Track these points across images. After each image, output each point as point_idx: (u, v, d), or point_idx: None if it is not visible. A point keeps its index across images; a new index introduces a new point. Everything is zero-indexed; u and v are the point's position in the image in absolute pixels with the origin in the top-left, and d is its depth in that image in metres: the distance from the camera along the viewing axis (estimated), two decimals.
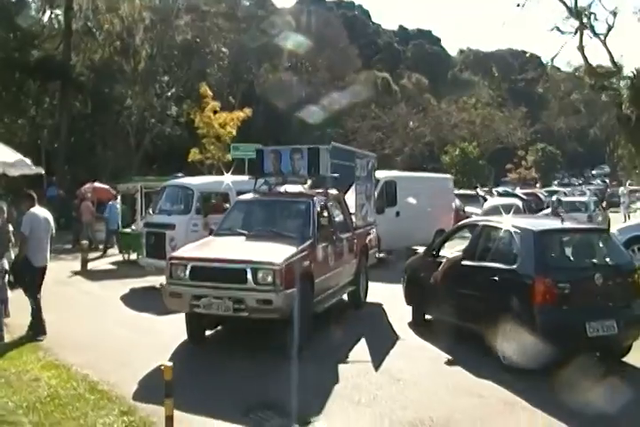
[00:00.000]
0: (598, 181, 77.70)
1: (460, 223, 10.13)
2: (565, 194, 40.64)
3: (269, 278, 7.95)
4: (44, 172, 12.15)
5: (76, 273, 15.80)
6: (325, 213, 10.17)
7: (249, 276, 7.95)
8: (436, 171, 31.14)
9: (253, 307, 7.93)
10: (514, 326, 7.74)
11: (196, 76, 36.96)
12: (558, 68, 74.71)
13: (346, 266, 10.44)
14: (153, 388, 6.90)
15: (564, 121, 73.39)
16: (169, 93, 37.31)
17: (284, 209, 10.32)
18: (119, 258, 18.42)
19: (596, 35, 13.52)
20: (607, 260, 8.37)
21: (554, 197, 26.05)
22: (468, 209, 26.32)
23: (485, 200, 30.21)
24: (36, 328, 9.08)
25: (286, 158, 10.59)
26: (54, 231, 9.54)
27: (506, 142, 49.86)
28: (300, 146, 11.00)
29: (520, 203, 21.96)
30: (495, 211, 16.45)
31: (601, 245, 8.54)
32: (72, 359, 7.96)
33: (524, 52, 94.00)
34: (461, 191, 29.32)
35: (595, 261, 8.30)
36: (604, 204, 35.38)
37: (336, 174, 10.71)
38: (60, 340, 8.98)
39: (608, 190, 45.11)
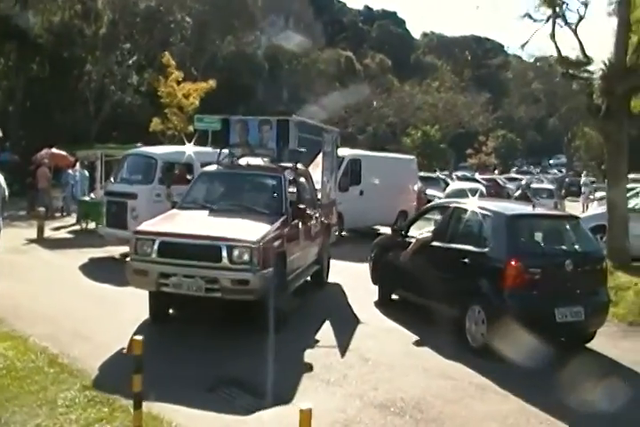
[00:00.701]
0: (555, 171, 79.04)
1: (429, 204, 10.11)
2: (527, 185, 41.36)
3: (246, 257, 7.49)
4: (0, 134, 11.63)
5: (31, 241, 15.30)
6: (295, 189, 9.75)
7: (224, 254, 7.46)
8: (397, 152, 31.02)
9: (228, 287, 7.47)
10: (483, 308, 7.73)
11: (159, 45, 36.07)
12: (520, 57, 75.63)
13: (313, 244, 10.20)
14: (116, 362, 6.74)
15: (524, 110, 74.23)
16: (130, 61, 36.28)
17: (253, 183, 9.86)
18: (76, 226, 17.92)
19: (567, 24, 13.48)
20: (577, 247, 8.40)
21: (523, 182, 26.52)
22: (429, 192, 26.51)
23: (446, 184, 30.41)
24: None
25: (254, 129, 10.20)
26: (7, 196, 9.15)
27: (467, 127, 50.18)
28: (269, 117, 10.61)
29: (483, 188, 22.10)
30: (458, 195, 16.53)
31: (571, 231, 8.55)
32: (29, 331, 7.61)
33: (488, 40, 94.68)
34: (422, 174, 29.36)
35: (565, 247, 8.33)
36: (563, 192, 36.13)
37: (303, 148, 10.40)
38: (17, 310, 8.62)
39: (567, 180, 45.87)
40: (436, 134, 44.44)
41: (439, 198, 24.24)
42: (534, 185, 32.71)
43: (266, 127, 10.12)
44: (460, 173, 41.71)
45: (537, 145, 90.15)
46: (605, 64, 11.89)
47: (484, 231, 8.23)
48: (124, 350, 6.50)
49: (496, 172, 58.16)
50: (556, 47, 13.15)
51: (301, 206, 9.25)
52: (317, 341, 7.97)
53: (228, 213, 8.63)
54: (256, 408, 5.78)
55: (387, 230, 18.87)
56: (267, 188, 9.60)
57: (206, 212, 8.81)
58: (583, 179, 40.21)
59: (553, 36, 13.52)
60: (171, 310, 8.79)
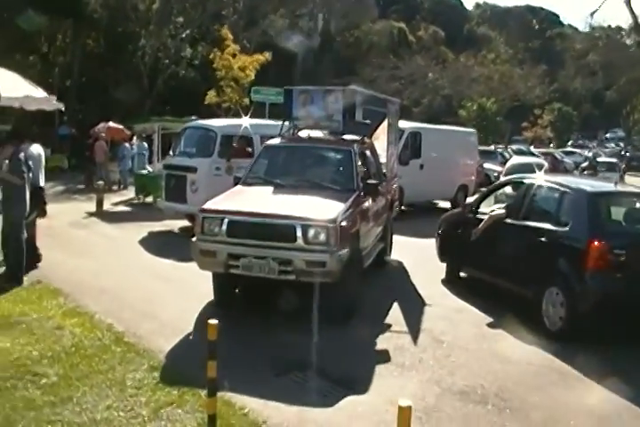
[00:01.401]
0: (612, 145, 76.78)
1: (503, 179, 9.62)
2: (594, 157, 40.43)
3: (322, 237, 6.95)
4: (63, 108, 11.53)
5: (91, 214, 15.34)
6: (364, 163, 9.25)
7: (299, 234, 6.92)
8: (453, 125, 30.33)
9: (303, 269, 6.92)
10: (562, 290, 7.32)
11: (211, 19, 35.82)
12: (576, 28, 73.08)
13: (380, 221, 9.78)
14: (183, 343, 6.60)
15: (580, 82, 71.85)
16: (183, 35, 36.18)
17: (322, 157, 9.33)
18: (134, 200, 17.98)
19: None
20: None
21: (590, 154, 26.54)
22: (487, 165, 25.87)
23: (503, 157, 29.65)
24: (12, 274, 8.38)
25: (318, 101, 9.48)
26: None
27: (523, 100, 48.70)
28: (335, 87, 10.03)
29: (545, 163, 21.37)
30: (521, 169, 15.95)
31: None
32: (94, 307, 7.51)
33: (542, 9, 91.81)
34: (479, 147, 28.72)
35: None
36: (623, 167, 35.17)
37: (368, 121, 9.97)
38: (80, 286, 8.54)
39: (627, 154, 44.41)
40: (491, 107, 43.27)
41: (496, 172, 23.79)
42: (600, 159, 32.24)
43: (331, 98, 9.39)
44: (515, 147, 40.76)
45: (593, 118, 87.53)
46: None
47: (563, 209, 7.75)
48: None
49: (551, 145, 56.80)
50: (632, 14, 12.38)
51: (372, 182, 8.80)
52: (388, 323, 7.63)
53: (297, 190, 8.18)
54: (329, 393, 5.52)
55: (446, 205, 18.51)
56: (336, 162, 9.10)
57: (274, 188, 8.36)
58: None
59: (629, 2, 12.70)
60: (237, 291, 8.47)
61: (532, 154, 35.24)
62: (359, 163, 8.88)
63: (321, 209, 7.38)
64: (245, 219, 7.26)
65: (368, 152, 9.81)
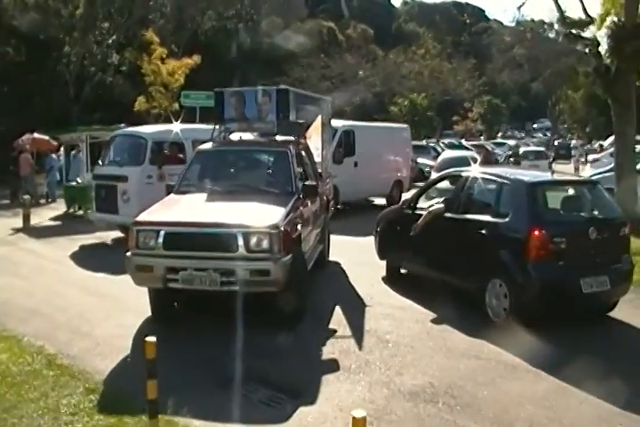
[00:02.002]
0: (540, 135, 78.97)
1: (440, 174, 9.56)
2: (511, 146, 41.92)
3: (265, 245, 6.68)
4: None
5: (17, 230, 14.71)
6: (301, 164, 9.08)
7: (240, 242, 6.62)
8: (385, 121, 30.52)
9: (246, 279, 6.64)
10: (504, 281, 7.32)
11: (138, 24, 35.05)
12: (501, 23, 74.77)
13: (318, 223, 9.61)
14: (120, 361, 6.27)
15: (507, 75, 73.57)
16: (109, 41, 35.25)
17: (257, 160, 9.14)
18: (63, 213, 17.34)
19: None
20: (599, 213, 7.95)
21: (512, 143, 28.58)
22: (420, 160, 26.14)
23: (436, 151, 29.99)
24: None
25: (251, 102, 9.26)
26: None
27: (453, 94, 49.46)
28: (268, 87, 9.87)
29: (476, 155, 21.65)
30: (452, 163, 16.08)
31: (592, 197, 8.10)
32: (22, 329, 7.12)
33: (468, 4, 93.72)
34: (412, 142, 29.00)
35: (587, 214, 7.87)
36: (552, 155, 36.46)
37: (302, 120, 9.75)
38: (7, 307, 8.11)
39: (556, 143, 45.66)
40: (422, 102, 43.79)
41: (429, 167, 24.05)
42: (525, 148, 33.76)
43: (264, 99, 9.20)
44: (447, 141, 41.32)
45: (521, 110, 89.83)
46: (615, 23, 11.38)
47: (502, 201, 7.74)
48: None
49: (482, 138, 57.89)
50: (558, 7, 12.61)
51: (311, 183, 8.59)
52: (331, 325, 7.46)
53: (234, 196, 7.89)
54: (277, 404, 5.32)
55: (382, 201, 18.52)
56: (272, 165, 8.89)
57: (210, 195, 8.06)
58: (573, 142, 40.52)
59: None
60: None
61: (464, 147, 35.82)
62: (296, 164, 8.67)
63: (261, 215, 7.12)
64: (183, 230, 6.94)
65: (303, 153, 9.62)
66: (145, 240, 6.87)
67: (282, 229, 6.81)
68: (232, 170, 9.00)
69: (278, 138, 9.28)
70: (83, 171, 16.85)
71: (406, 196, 13.38)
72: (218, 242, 6.73)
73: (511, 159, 30.76)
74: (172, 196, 8.26)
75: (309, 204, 8.58)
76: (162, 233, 6.80)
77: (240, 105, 9.30)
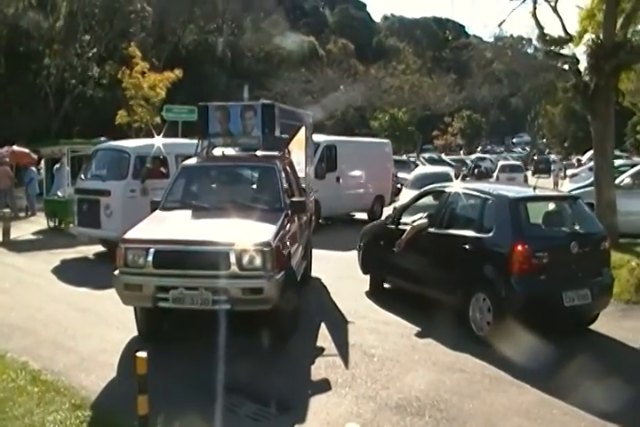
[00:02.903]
0: (519, 149, 79.80)
1: (423, 189, 9.62)
2: (491, 161, 42.78)
3: (258, 262, 6.56)
4: None
5: None
6: (287, 180, 8.97)
7: (232, 260, 6.49)
8: (366, 136, 30.73)
9: (238, 298, 6.51)
10: (488, 296, 7.39)
11: (119, 37, 35.09)
12: (481, 38, 75.61)
13: (303, 238, 9.53)
14: (106, 376, 6.24)
15: (487, 89, 74.37)
16: (90, 54, 35.26)
17: (244, 176, 9.11)
18: (43, 227, 17.17)
19: (546, 0, 13.11)
20: (580, 228, 8.08)
21: (473, 157, 30.93)
22: (400, 175, 26.27)
23: (416, 166, 30.19)
24: None
25: (236, 117, 9.09)
26: None
27: (433, 109, 49.89)
28: (253, 102, 9.89)
29: (451, 171, 21.69)
30: (425, 179, 16.16)
31: (573, 212, 8.23)
32: (5, 345, 7.03)
33: (448, 20, 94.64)
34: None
35: (569, 229, 8.00)
36: (532, 169, 37.25)
37: (285, 135, 9.72)
38: None
39: (535, 157, 46.25)
40: (403, 117, 44.13)
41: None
42: (503, 162, 36.82)
43: (249, 113, 9.05)
44: (427, 155, 41.64)
45: (500, 124, 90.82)
46: (594, 40, 11.58)
47: (485, 216, 7.83)
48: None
49: (462, 152, 58.40)
50: (538, 24, 12.81)
51: (299, 199, 8.55)
52: (316, 340, 7.49)
53: (222, 212, 7.68)
54: (265, 419, 5.33)
55: (363, 216, 18.59)
56: (260, 180, 8.85)
57: (197, 212, 7.94)
58: (552, 156, 41.12)
59: (534, 13, 13.17)
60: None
61: (444, 161, 36.21)
62: (284, 180, 8.63)
63: (252, 232, 7.02)
64: (173, 248, 6.76)
65: (288, 168, 9.61)
66: (134, 258, 6.69)
67: (274, 246, 6.71)
68: (219, 186, 8.93)
69: (263, 153, 9.25)
70: (64, 184, 16.73)
71: (388, 211, 13.45)
72: (209, 260, 6.58)
73: (476, 171, 31.81)
74: (158, 212, 8.07)
75: (296, 220, 8.57)
76: (151, 251, 6.63)
77: (225, 119, 9.15)
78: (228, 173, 9.13)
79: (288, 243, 7.47)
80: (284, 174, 8.78)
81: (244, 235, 6.88)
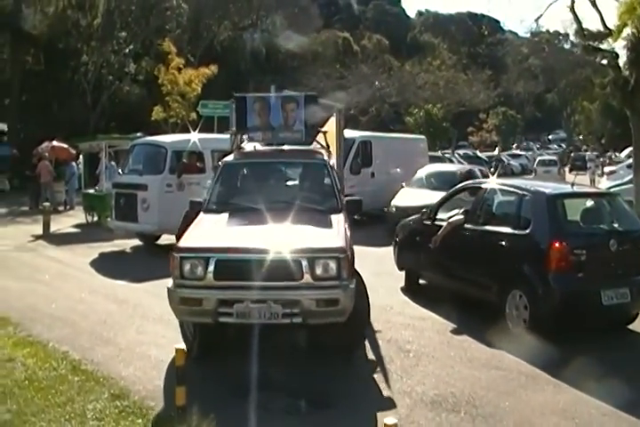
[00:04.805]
0: (555, 146, 78.75)
1: (460, 185, 9.56)
2: (527, 158, 42.65)
3: (333, 271, 5.95)
4: (5, 128, 11.17)
5: (37, 237, 14.82)
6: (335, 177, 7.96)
7: (305, 269, 5.89)
8: (401, 132, 30.60)
9: (312, 310, 5.89)
10: (525, 293, 7.33)
11: (155, 33, 35.44)
12: (516, 34, 74.77)
13: None
14: (143, 367, 6.32)
15: (522, 86, 73.52)
16: (127, 50, 35.69)
17: (291, 173, 8.33)
18: (82, 220, 17.46)
19: None
20: (619, 225, 7.94)
21: (495, 153, 31.76)
22: None
23: (451, 162, 29.87)
24: None
25: (277, 109, 8.27)
26: None
27: (468, 105, 49.41)
28: (295, 93, 9.13)
29: (459, 168, 19.80)
30: (430, 178, 15.68)
31: (612, 209, 8.10)
32: (47, 335, 7.19)
33: (484, 16, 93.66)
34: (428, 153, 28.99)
35: (607, 226, 7.88)
36: (568, 167, 37.43)
37: (325, 129, 9.05)
38: (31, 313, 8.19)
39: (572, 154, 45.70)
40: (438, 113, 43.75)
41: None
42: (542, 157, 39.86)
43: (291, 105, 8.24)
44: (462, 152, 41.34)
45: (536, 121, 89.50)
46: (634, 34, 11.35)
47: (522, 212, 7.76)
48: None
49: (497, 149, 57.76)
50: (576, 19, 12.62)
51: (356, 199, 7.88)
52: None
53: (278, 215, 6.82)
54: (295, 411, 5.37)
55: None
56: (311, 178, 8.09)
57: (250, 214, 7.06)
58: (588, 154, 40.79)
59: (572, 7, 12.96)
60: None
61: (479, 158, 36.08)
62: (337, 177, 7.83)
63: (321, 237, 6.42)
64: (238, 256, 6.04)
65: (335, 163, 8.75)
66: (192, 269, 5.99)
67: (348, 252, 6.16)
68: (266, 185, 8.07)
69: (306, 148, 8.58)
70: (101, 179, 17.00)
71: None
72: (279, 269, 5.91)
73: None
74: (204, 216, 7.20)
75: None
76: (212, 261, 5.94)
77: (264, 112, 8.31)
78: (275, 169, 8.36)
79: (352, 246, 6.79)
80: (335, 171, 8.06)
81: (314, 240, 6.28)
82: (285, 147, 8.44)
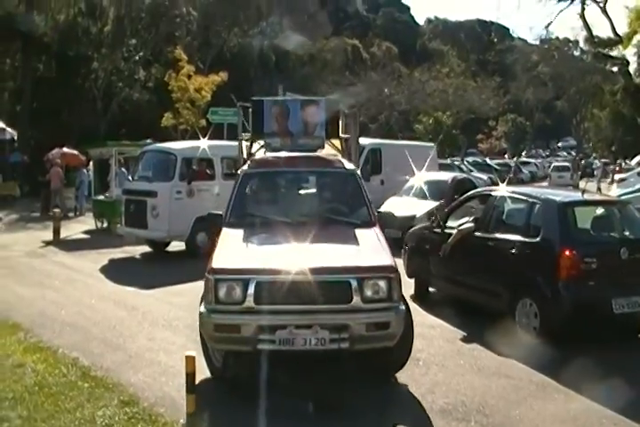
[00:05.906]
0: (564, 153, 78.60)
1: (470, 193, 9.55)
2: (536, 165, 42.96)
3: (384, 292, 5.54)
4: (16, 136, 11.24)
5: (48, 243, 14.89)
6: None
7: (355, 290, 5.45)
8: (410, 140, 30.66)
9: (361, 335, 5.45)
10: (535, 301, 7.31)
11: (165, 40, 35.68)
12: (525, 41, 74.84)
13: None
14: (153, 374, 6.32)
15: (532, 93, 73.49)
16: (137, 57, 35.93)
17: (316, 183, 7.69)
18: (91, 227, 17.53)
19: (595, 1, 12.87)
20: (630, 233, 7.92)
21: (512, 163, 32.72)
22: None
23: (460, 170, 29.80)
24: None
25: (296, 114, 7.75)
26: None
27: (477, 112, 49.40)
28: (316, 97, 8.81)
29: (451, 177, 18.95)
30: (421, 186, 15.34)
31: (623, 217, 8.08)
32: (57, 341, 7.21)
33: (493, 23, 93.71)
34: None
35: (619, 234, 7.86)
36: (579, 173, 37.83)
37: (347, 135, 8.42)
38: (41, 318, 8.23)
39: (582, 162, 45.67)
40: (447, 120, 43.79)
41: None
42: (556, 163, 42.47)
43: (311, 109, 7.77)
44: (471, 159, 41.32)
45: (545, 128, 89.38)
46: None
47: (533, 220, 7.76)
48: None
49: (506, 156, 57.69)
50: (587, 26, 12.61)
51: (388, 212, 7.65)
52: None
53: (311, 230, 6.18)
54: (304, 418, 5.35)
55: None
56: (340, 189, 7.49)
57: (281, 229, 6.33)
58: (595, 162, 41.52)
59: (582, 14, 12.95)
60: None
61: (489, 166, 36.06)
62: (365, 187, 7.27)
63: (368, 254, 5.94)
64: (280, 278, 5.46)
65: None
66: (229, 293, 5.47)
67: (397, 270, 5.74)
68: (292, 195, 7.61)
69: (334, 155, 8.04)
70: (111, 185, 17.08)
71: None
72: (326, 291, 5.48)
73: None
74: (229, 231, 6.56)
75: None
76: (252, 283, 5.43)
77: (283, 117, 7.80)
78: (299, 179, 7.74)
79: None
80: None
81: (360, 258, 5.84)
82: (309, 154, 7.88)
